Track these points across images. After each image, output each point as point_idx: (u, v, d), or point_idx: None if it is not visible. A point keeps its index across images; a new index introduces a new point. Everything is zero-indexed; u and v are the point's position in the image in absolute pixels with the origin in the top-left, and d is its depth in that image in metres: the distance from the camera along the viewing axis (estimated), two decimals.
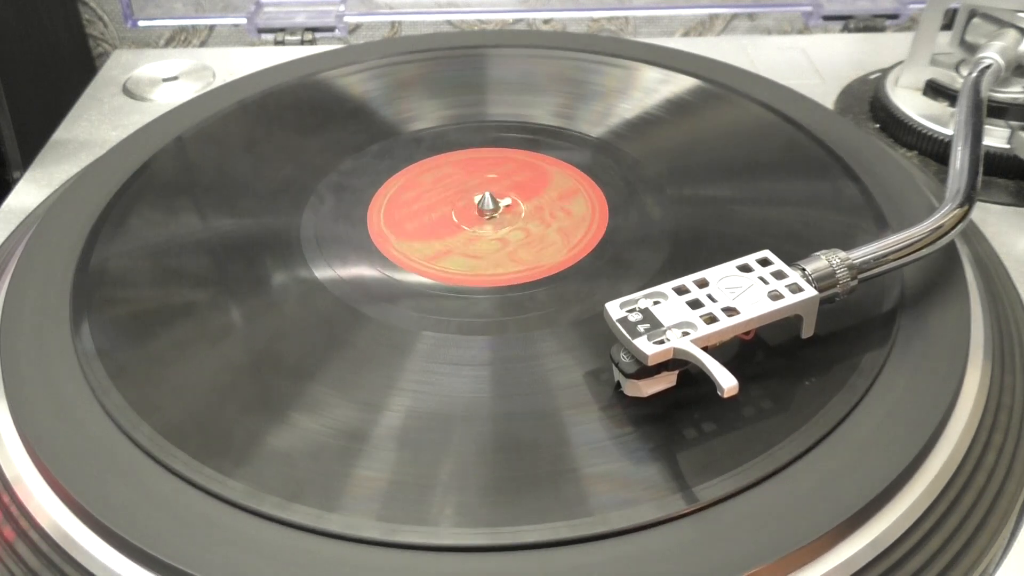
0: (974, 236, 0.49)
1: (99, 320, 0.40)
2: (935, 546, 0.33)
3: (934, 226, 0.40)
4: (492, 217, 0.47)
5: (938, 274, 0.42)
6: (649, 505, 0.32)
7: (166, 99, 0.65)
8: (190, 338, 0.40)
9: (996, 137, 0.53)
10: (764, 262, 0.38)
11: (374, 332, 0.40)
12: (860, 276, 0.38)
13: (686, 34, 0.88)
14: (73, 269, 0.43)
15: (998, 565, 0.34)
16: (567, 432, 0.35)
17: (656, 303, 0.36)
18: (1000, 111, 0.53)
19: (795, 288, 0.36)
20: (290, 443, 0.35)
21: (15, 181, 0.58)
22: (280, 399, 0.37)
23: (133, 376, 0.38)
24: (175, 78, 0.68)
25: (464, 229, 0.46)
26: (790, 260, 0.38)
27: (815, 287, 0.37)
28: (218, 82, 0.66)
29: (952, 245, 0.43)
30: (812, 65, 0.68)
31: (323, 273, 0.43)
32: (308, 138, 0.54)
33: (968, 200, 0.42)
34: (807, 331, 0.37)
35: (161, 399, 0.37)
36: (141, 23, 0.82)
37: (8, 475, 0.36)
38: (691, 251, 0.44)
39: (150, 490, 0.33)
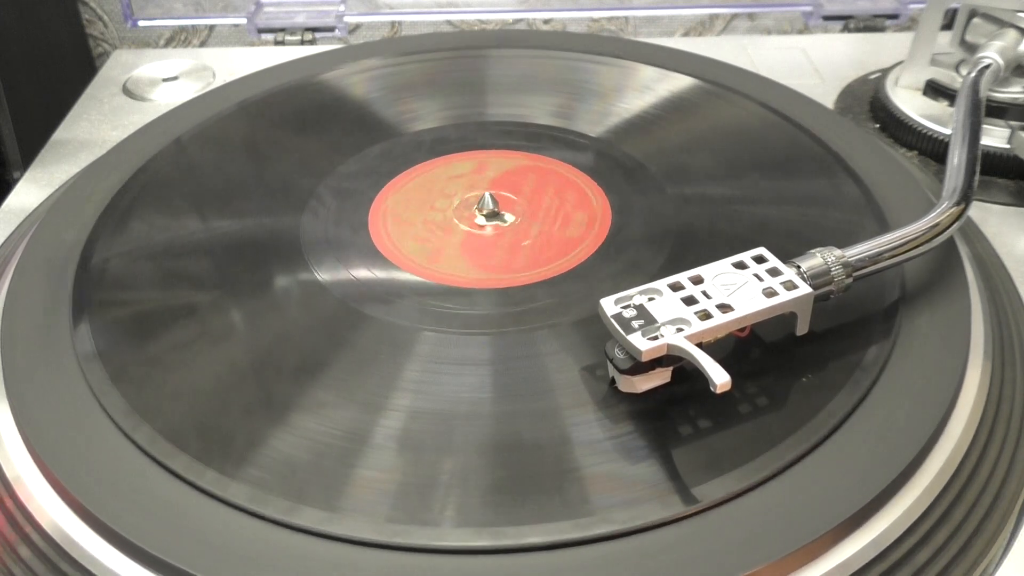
0: (974, 236, 0.49)
1: (99, 321, 0.40)
2: (935, 546, 0.33)
3: (930, 224, 0.40)
4: (492, 217, 0.47)
5: (938, 274, 0.42)
6: (650, 505, 0.32)
7: (166, 99, 0.65)
8: (191, 339, 0.40)
9: (996, 137, 0.53)
10: (759, 259, 0.38)
11: (375, 332, 0.40)
12: (855, 274, 0.38)
13: (686, 34, 0.88)
14: (73, 269, 0.43)
15: (998, 565, 0.34)
16: (569, 432, 0.35)
17: (651, 299, 0.36)
18: (1000, 111, 0.53)
19: (790, 285, 0.36)
20: (291, 445, 0.35)
21: (15, 181, 0.58)
22: (281, 400, 0.37)
23: (133, 377, 0.38)
24: (175, 78, 0.68)
25: (465, 230, 0.46)
26: (789, 259, 0.38)
27: (810, 284, 0.37)
28: (218, 82, 0.66)
29: (952, 244, 0.43)
30: (812, 65, 0.68)
31: (324, 274, 0.43)
32: (308, 139, 0.54)
33: (965, 198, 0.42)
34: (801, 328, 0.37)
35: (162, 401, 0.37)
36: (141, 23, 0.82)
37: (8, 475, 0.36)
38: (692, 250, 0.44)
39: (151, 490, 0.33)
